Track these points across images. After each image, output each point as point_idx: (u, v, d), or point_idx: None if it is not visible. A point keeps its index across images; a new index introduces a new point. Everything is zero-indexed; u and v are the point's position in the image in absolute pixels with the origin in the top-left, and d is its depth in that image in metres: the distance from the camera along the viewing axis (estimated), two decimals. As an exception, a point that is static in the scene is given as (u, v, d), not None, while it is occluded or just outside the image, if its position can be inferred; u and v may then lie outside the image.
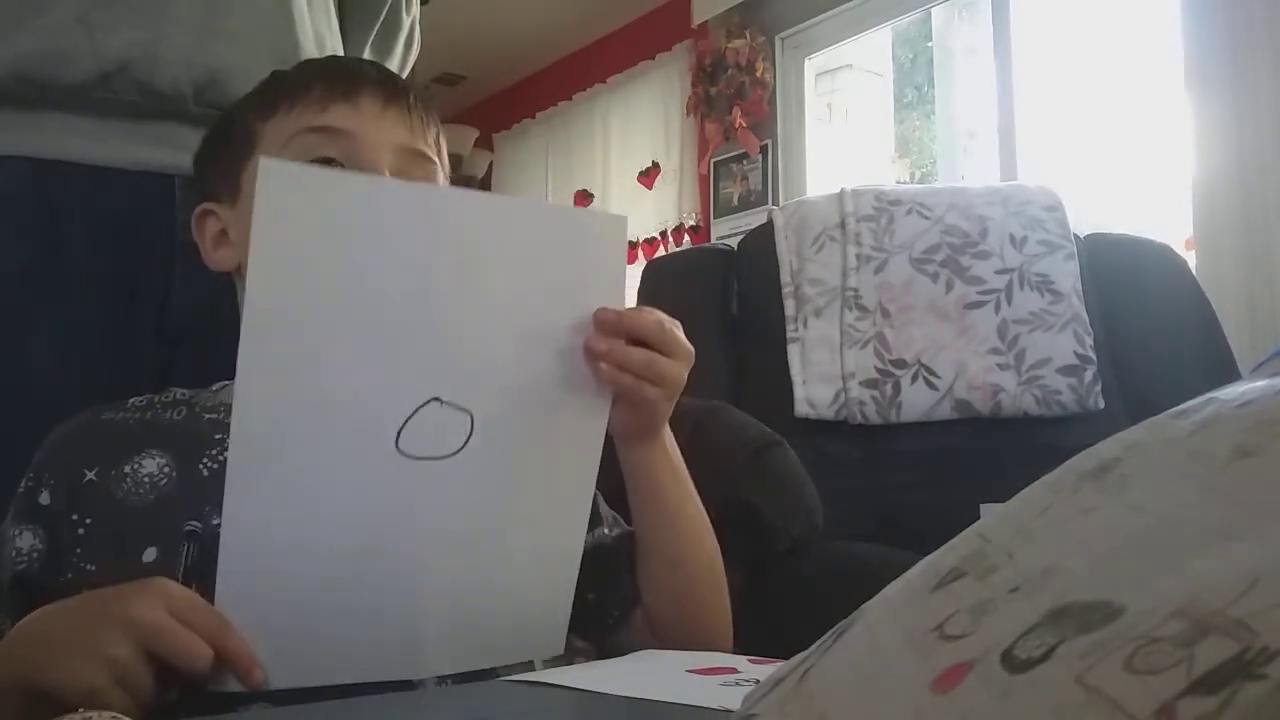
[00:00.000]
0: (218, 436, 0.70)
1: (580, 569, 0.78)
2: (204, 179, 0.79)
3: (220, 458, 0.69)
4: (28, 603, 0.65)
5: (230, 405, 0.71)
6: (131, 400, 0.74)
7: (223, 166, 0.75)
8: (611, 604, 0.78)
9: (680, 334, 0.69)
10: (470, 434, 0.62)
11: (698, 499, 0.78)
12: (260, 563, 0.59)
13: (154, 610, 0.55)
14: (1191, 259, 2.52)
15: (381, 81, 0.75)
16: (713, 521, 1.35)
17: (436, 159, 0.76)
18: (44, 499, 0.68)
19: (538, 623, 0.68)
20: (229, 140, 0.75)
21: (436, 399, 0.61)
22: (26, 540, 0.67)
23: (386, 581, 0.62)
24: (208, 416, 0.73)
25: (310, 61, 0.82)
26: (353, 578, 0.62)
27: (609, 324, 0.65)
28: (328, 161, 0.70)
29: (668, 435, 0.75)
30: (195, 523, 0.66)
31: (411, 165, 0.74)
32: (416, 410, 0.60)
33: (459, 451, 0.62)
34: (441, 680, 0.69)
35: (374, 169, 0.71)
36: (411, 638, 0.64)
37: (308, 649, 0.61)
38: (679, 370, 0.69)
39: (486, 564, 0.65)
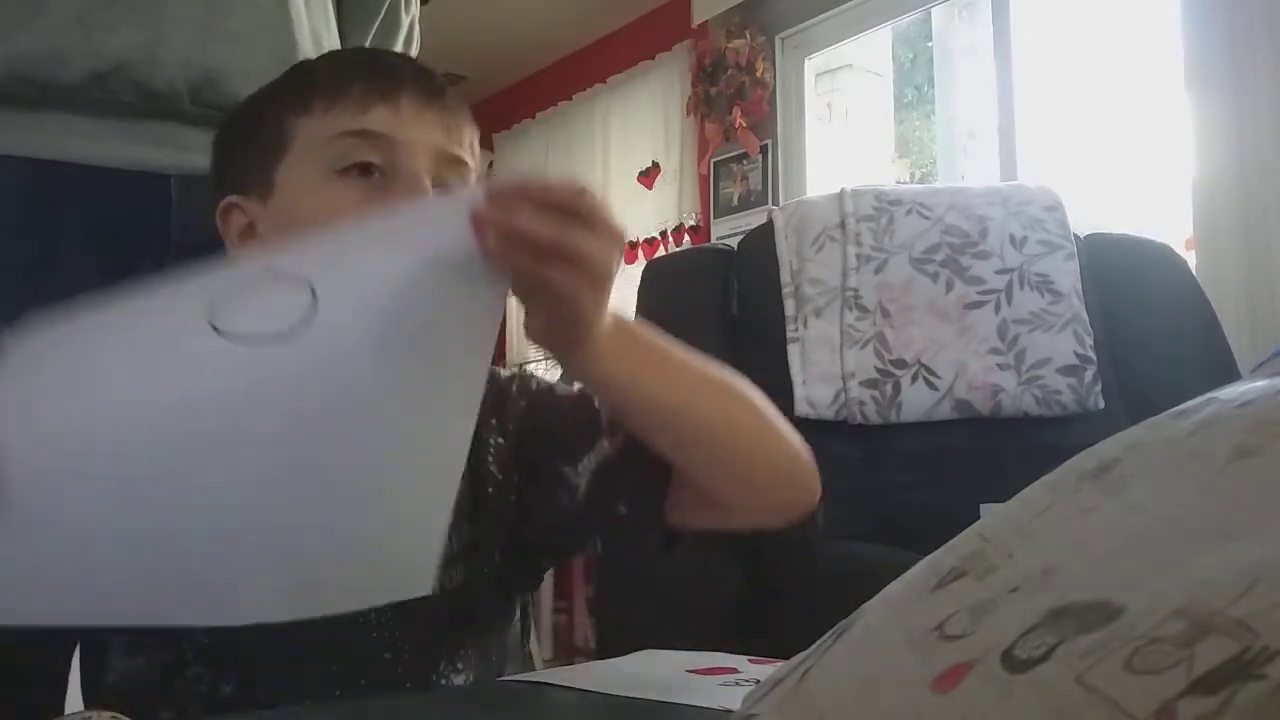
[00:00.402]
0: None
1: (605, 485, 0.70)
2: (227, 170, 0.76)
3: None
4: None
5: None
6: None
7: (251, 160, 0.73)
8: (641, 514, 0.70)
9: (607, 207, 0.53)
10: (310, 312, 0.48)
11: (688, 366, 0.67)
12: (22, 459, 0.45)
13: None
14: (1191, 259, 2.52)
15: (419, 78, 0.72)
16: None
17: (470, 160, 0.74)
18: None
19: (400, 561, 0.54)
20: (259, 134, 0.73)
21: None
22: None
23: (189, 504, 0.48)
24: None
25: (342, 54, 0.79)
26: (143, 493, 0.48)
27: (506, 191, 0.50)
28: (366, 167, 0.68)
29: (613, 332, 0.59)
30: None
31: (448, 170, 0.71)
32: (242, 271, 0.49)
33: (292, 334, 0.47)
34: (444, 679, 0.69)
35: (414, 176, 0.68)
36: (225, 576, 0.50)
37: (83, 579, 0.48)
38: (603, 251, 0.52)
39: (328, 487, 0.51)
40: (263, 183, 0.71)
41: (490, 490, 0.75)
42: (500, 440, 0.76)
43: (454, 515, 0.66)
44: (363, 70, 0.71)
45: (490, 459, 0.75)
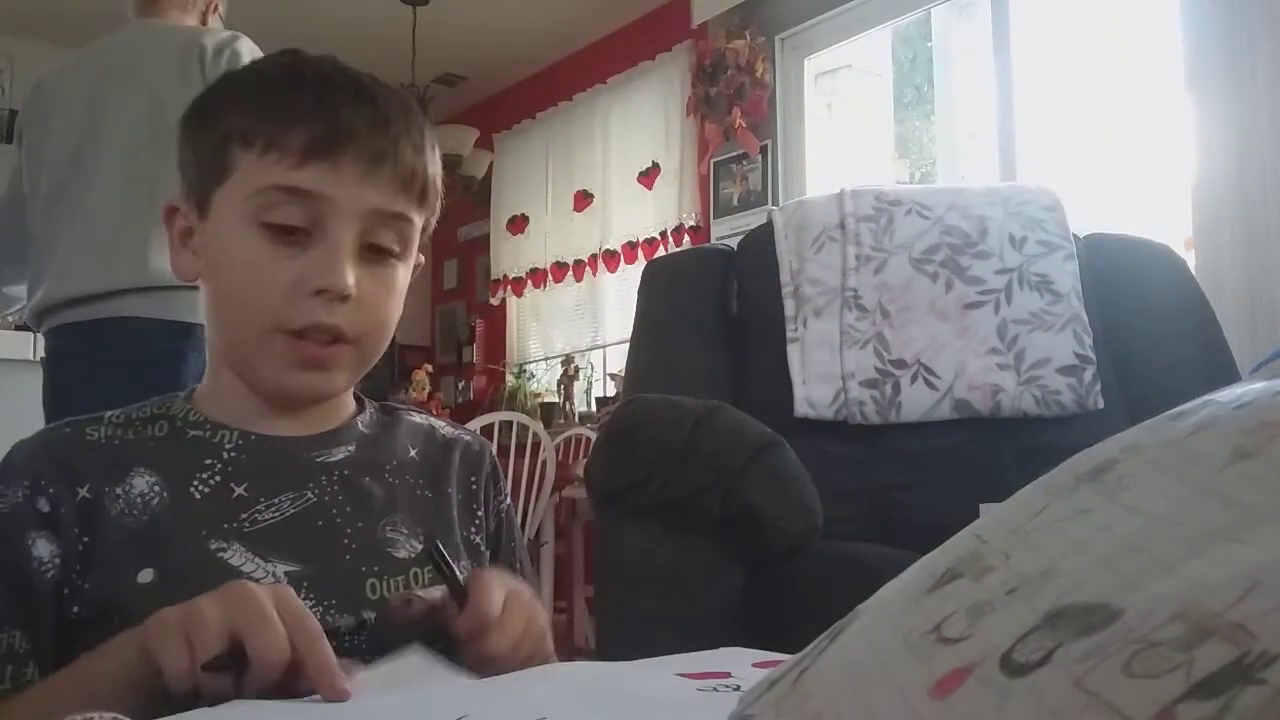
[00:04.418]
0: (207, 461, 0.69)
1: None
2: (183, 165, 0.72)
3: (211, 480, 0.68)
4: (57, 618, 0.63)
5: (213, 420, 0.70)
6: (108, 414, 0.71)
7: (199, 166, 0.70)
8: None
9: None
10: None
11: None
12: None
13: (255, 594, 0.52)
14: (1191, 259, 2.52)
15: (373, 131, 0.66)
16: (713, 521, 1.34)
17: (416, 213, 0.70)
18: (43, 506, 0.65)
19: None
20: (208, 141, 0.69)
21: None
22: (44, 548, 0.63)
23: None
24: (192, 433, 0.70)
25: (301, 77, 0.69)
26: None
27: None
28: (290, 230, 0.65)
29: None
30: (194, 549, 0.64)
31: (380, 229, 0.68)
32: None
33: None
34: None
35: (334, 246, 0.65)
36: None
37: None
38: None
39: None
40: (202, 199, 0.69)
41: (475, 528, 0.78)
42: (474, 486, 0.80)
43: (455, 550, 0.72)
44: (310, 115, 0.66)
45: (481, 505, 0.79)
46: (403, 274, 0.71)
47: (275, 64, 0.72)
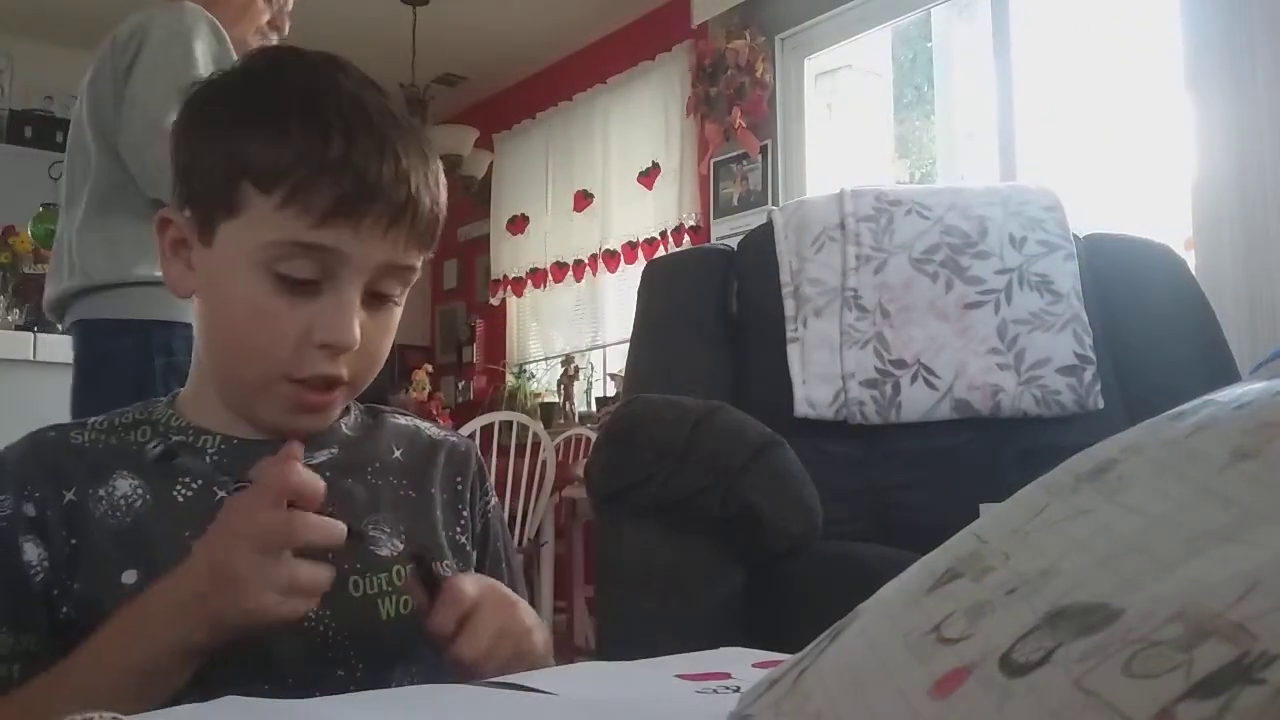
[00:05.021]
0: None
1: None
2: (182, 170, 0.70)
3: (194, 484, 0.68)
4: (46, 618, 0.64)
5: (195, 425, 0.70)
6: (91, 420, 0.71)
7: (200, 188, 0.68)
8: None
9: None
10: None
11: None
12: None
13: (272, 513, 0.58)
14: (1191, 259, 2.52)
15: (395, 186, 0.65)
16: (713, 521, 1.35)
17: (418, 263, 0.70)
18: (29, 510, 0.65)
19: None
20: (214, 169, 0.66)
21: None
22: (31, 552, 0.64)
23: None
24: (174, 439, 0.71)
25: (327, 115, 0.65)
26: None
27: None
28: (301, 283, 0.65)
29: None
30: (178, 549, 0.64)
31: (385, 279, 0.68)
32: None
33: None
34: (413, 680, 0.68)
35: (343, 301, 0.65)
36: None
37: None
38: None
39: None
40: (206, 224, 0.67)
41: (460, 528, 0.78)
42: (460, 487, 0.80)
43: (443, 551, 0.74)
44: (335, 167, 0.63)
45: (466, 505, 0.80)
46: (398, 313, 0.71)
47: (288, 87, 0.67)
